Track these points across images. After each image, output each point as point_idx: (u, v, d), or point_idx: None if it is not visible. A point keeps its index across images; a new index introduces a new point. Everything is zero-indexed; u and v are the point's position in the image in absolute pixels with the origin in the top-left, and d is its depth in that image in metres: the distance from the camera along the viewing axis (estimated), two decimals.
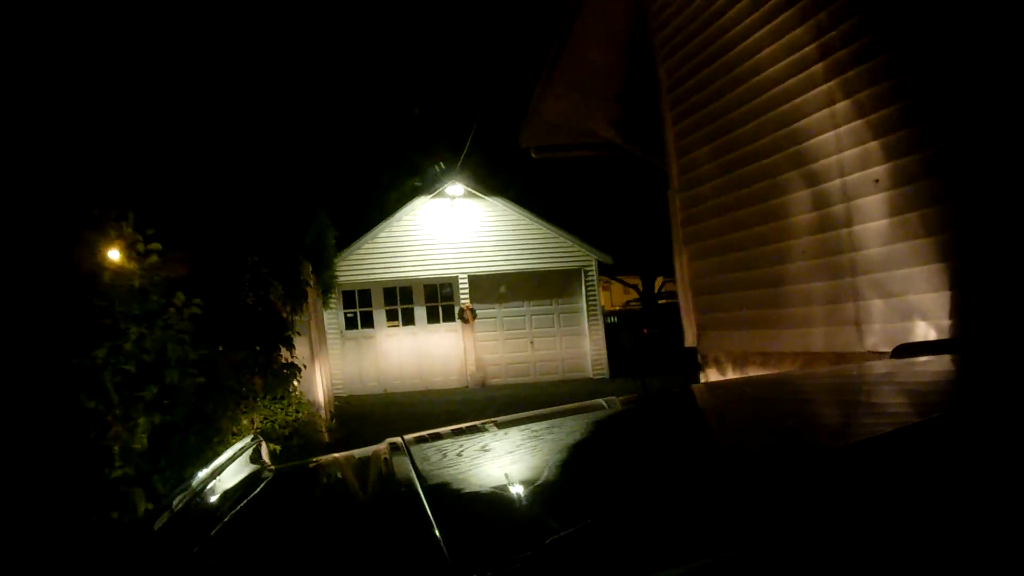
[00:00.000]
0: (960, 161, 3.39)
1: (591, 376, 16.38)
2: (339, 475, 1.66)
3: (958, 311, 3.44)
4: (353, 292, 15.97)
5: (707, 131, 5.28)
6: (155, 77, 6.08)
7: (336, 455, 1.75)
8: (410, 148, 18.76)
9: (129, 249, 3.69)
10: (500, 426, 1.72)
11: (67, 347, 3.13)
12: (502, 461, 1.49)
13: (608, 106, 7.17)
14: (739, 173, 4.94)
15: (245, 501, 1.38)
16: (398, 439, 1.63)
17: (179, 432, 3.55)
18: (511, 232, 16.30)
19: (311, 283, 9.62)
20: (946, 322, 3.48)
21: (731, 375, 5.23)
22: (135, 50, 6.07)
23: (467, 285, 16.07)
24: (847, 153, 4.03)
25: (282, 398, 7.13)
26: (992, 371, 1.88)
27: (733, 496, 1.03)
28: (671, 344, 17.73)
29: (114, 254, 3.62)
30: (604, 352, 16.51)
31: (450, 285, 16.23)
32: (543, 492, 1.20)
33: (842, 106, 4.03)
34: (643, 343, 17.41)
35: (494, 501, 1.20)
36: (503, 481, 1.30)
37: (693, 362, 5.81)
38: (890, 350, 2.42)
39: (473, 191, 16.10)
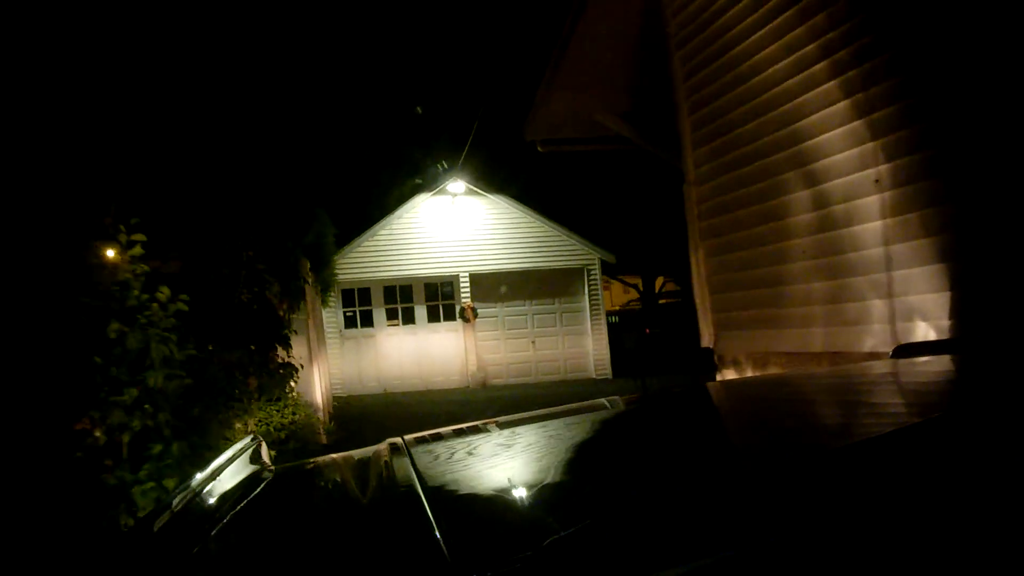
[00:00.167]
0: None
1: (594, 376, 16.18)
2: (339, 475, 1.66)
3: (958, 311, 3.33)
4: (352, 291, 15.76)
5: (726, 120, 5.03)
6: (147, 62, 5.84)
7: (336, 455, 1.75)
8: (411, 144, 18.55)
9: (110, 239, 3.41)
10: (501, 426, 1.72)
11: (35, 345, 2.87)
12: (503, 461, 1.49)
13: (618, 98, 6.96)
14: (762, 164, 4.68)
15: (245, 501, 1.38)
16: (398, 439, 1.63)
17: (162, 439, 3.28)
18: (513, 230, 16.09)
19: (309, 280, 9.37)
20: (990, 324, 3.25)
21: None
22: (129, 36, 5.85)
23: (468, 284, 15.86)
24: (887, 139, 3.79)
25: (278, 399, 6.86)
26: (996, 371, 1.87)
27: (733, 496, 1.03)
28: (674, 344, 17.66)
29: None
30: (607, 352, 16.31)
31: (451, 284, 16.02)
32: (544, 492, 1.20)
33: (876, 92, 3.81)
34: (645, 343, 17.23)
35: (494, 501, 1.20)
36: (504, 481, 1.30)
37: (697, 362, 5.62)
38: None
39: (475, 188, 15.88)
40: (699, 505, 1.00)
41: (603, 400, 1.90)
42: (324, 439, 8.69)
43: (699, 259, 5.42)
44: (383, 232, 15.78)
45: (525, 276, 16.12)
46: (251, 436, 1.66)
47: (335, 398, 13.53)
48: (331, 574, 1.04)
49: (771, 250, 4.64)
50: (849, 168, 4.01)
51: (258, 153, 7.74)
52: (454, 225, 15.86)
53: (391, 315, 16.06)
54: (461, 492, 1.29)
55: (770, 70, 4.56)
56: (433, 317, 16.05)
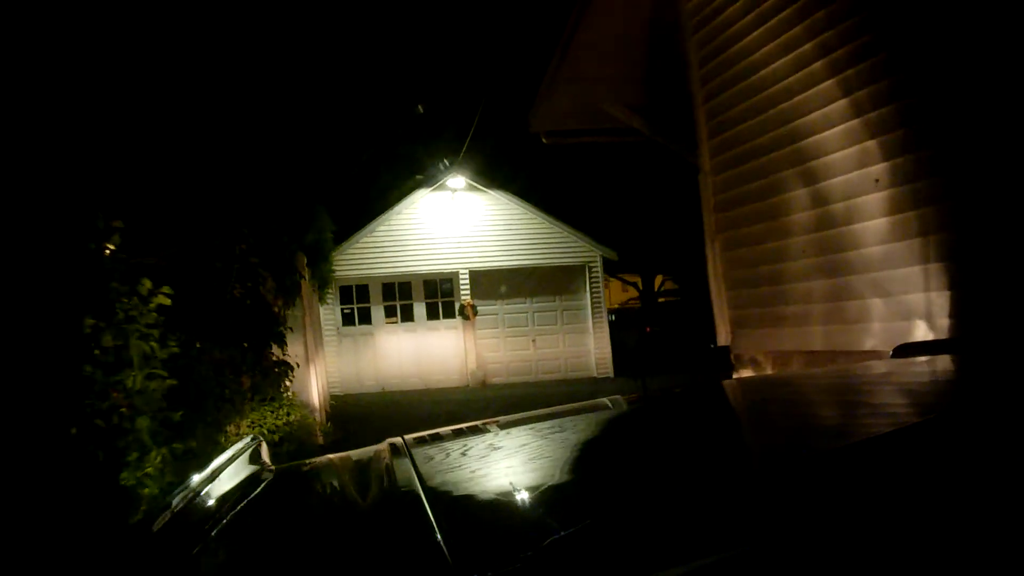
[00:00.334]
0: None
1: (595, 375, 15.96)
2: (339, 475, 1.65)
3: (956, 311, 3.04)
4: (351, 287, 15.52)
5: (745, 107, 4.77)
6: (143, 47, 5.57)
7: (337, 455, 1.76)
8: (411, 139, 18.27)
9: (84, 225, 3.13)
10: (501, 426, 1.71)
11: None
12: (503, 461, 1.50)
13: (626, 88, 6.73)
14: (786, 151, 4.42)
15: (245, 502, 1.38)
16: (398, 439, 1.62)
17: (141, 446, 2.99)
18: (514, 226, 15.86)
19: (305, 275, 9.12)
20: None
21: None
22: (130, 23, 5.60)
23: (468, 281, 15.62)
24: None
25: (272, 400, 6.58)
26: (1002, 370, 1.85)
27: (732, 496, 1.03)
28: (675, 342, 17.48)
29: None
30: (608, 351, 16.09)
31: (450, 281, 15.77)
32: (544, 492, 1.20)
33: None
34: (646, 341, 17.09)
35: (495, 501, 1.20)
36: (504, 481, 1.31)
37: (712, 361, 5.39)
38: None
39: (475, 184, 15.63)
40: (699, 505, 1.00)
41: (605, 400, 1.89)
42: (321, 440, 8.43)
43: (715, 253, 5.15)
44: (382, 228, 15.53)
45: (526, 273, 15.89)
46: (251, 436, 1.65)
47: (332, 397, 13.31)
48: (331, 574, 1.04)
49: (798, 242, 4.38)
50: (888, 154, 3.75)
51: (255, 145, 7.51)
52: (454, 221, 15.62)
53: (390, 312, 15.83)
54: (462, 492, 1.29)
55: (797, 51, 4.31)
56: (432, 315, 15.82)
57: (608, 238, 16.44)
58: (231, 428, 4.90)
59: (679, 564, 0.86)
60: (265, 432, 6.23)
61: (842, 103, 3.98)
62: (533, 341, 16.03)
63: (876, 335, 3.85)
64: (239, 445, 1.59)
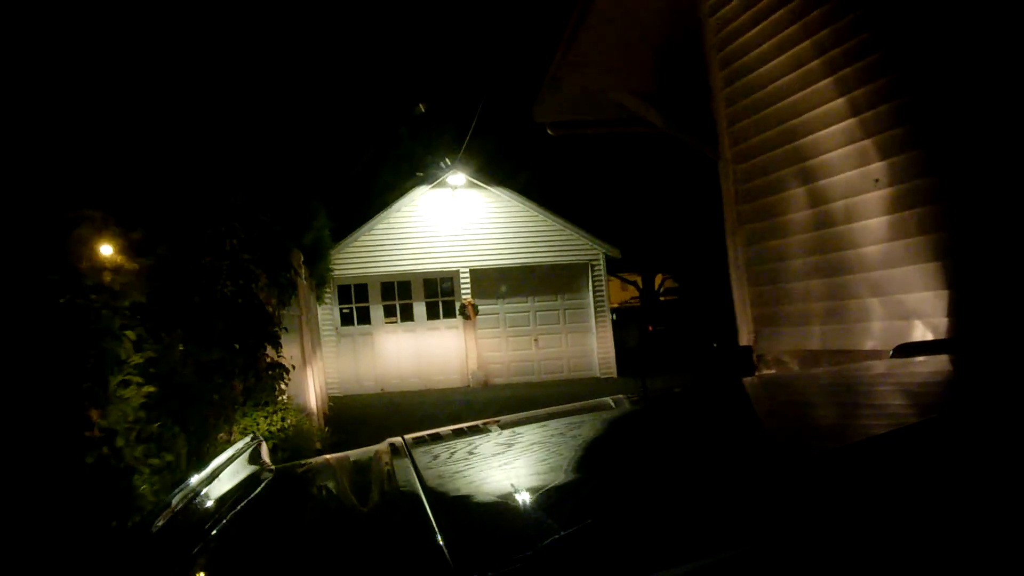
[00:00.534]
0: None
1: (598, 375, 15.72)
2: (338, 476, 1.65)
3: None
4: (349, 287, 15.25)
5: (769, 91, 4.46)
6: (138, 38, 5.31)
7: (337, 455, 1.75)
8: (411, 136, 17.96)
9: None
10: (502, 426, 1.71)
11: None
12: (504, 461, 1.49)
13: (637, 77, 6.46)
14: (811, 138, 4.11)
15: (245, 502, 1.37)
16: (398, 439, 1.62)
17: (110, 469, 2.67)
18: (515, 224, 15.60)
19: (301, 273, 8.82)
20: None
21: None
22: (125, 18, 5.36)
23: (469, 279, 15.35)
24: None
25: (267, 404, 6.27)
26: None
27: (732, 496, 1.02)
28: (676, 341, 17.24)
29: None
30: (612, 350, 15.84)
31: (451, 279, 15.50)
32: (545, 492, 1.20)
33: None
34: (648, 341, 16.89)
35: (496, 501, 1.20)
36: (505, 481, 1.31)
37: (733, 361, 5.12)
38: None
39: (475, 181, 15.36)
40: (699, 505, 0.99)
41: (608, 399, 1.88)
42: (318, 444, 8.15)
43: (737, 246, 4.85)
44: (381, 226, 15.25)
45: (527, 272, 15.63)
46: (251, 436, 1.64)
47: (331, 399, 13.06)
48: (331, 574, 1.04)
49: (828, 234, 4.07)
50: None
51: (250, 141, 7.25)
52: (454, 219, 15.35)
53: (389, 312, 15.56)
54: (462, 492, 1.30)
55: (823, 32, 4.01)
56: (432, 314, 15.55)
57: (610, 236, 16.18)
58: (221, 436, 4.59)
59: (679, 564, 0.85)
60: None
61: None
62: (535, 341, 15.78)
63: (911, 334, 3.55)
64: (239, 445, 1.58)
